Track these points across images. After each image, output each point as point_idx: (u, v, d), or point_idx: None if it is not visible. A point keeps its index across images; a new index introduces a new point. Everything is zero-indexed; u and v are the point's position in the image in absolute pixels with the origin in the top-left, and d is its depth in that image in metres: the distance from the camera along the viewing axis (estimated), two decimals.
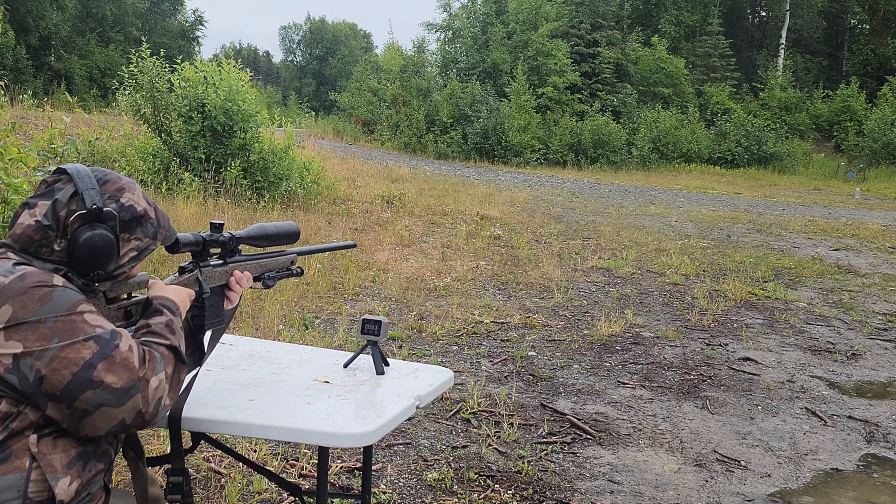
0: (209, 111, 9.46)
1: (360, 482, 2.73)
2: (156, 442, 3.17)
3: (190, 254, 1.70)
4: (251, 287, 1.85)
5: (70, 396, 1.26)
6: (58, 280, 1.31)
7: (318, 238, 8.05)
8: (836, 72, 38.95)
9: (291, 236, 1.89)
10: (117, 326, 1.45)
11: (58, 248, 1.37)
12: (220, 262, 1.75)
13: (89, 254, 1.36)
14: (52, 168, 1.51)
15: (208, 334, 1.75)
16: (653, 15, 37.23)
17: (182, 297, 1.59)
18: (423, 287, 6.60)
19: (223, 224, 1.75)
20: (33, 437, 1.27)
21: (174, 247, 1.60)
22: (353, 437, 1.60)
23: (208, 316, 1.71)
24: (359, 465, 3.06)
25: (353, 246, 2.30)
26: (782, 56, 36.99)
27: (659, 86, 31.53)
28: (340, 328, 5.03)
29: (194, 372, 1.64)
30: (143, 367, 1.32)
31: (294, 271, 1.96)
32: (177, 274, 1.67)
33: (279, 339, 4.60)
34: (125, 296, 1.52)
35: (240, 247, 1.80)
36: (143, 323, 1.47)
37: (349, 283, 6.45)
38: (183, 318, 1.56)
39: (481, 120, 24.91)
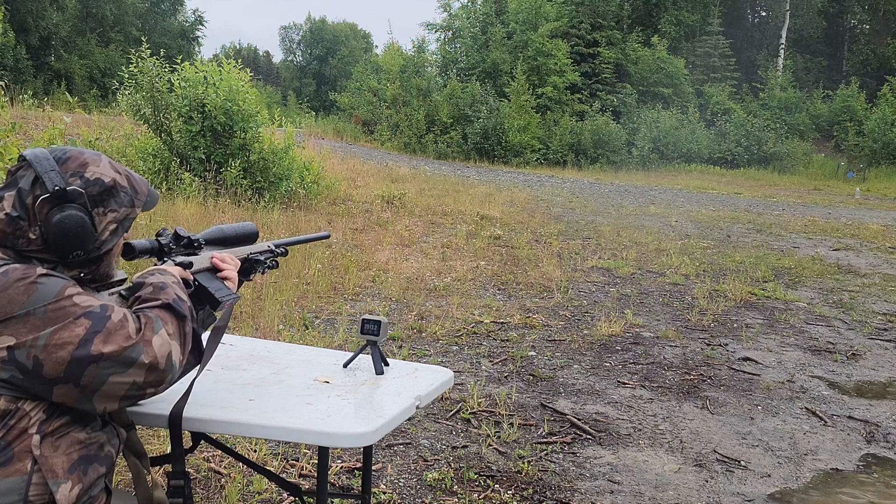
0: (209, 111, 9.45)
1: (360, 482, 2.73)
2: (155, 441, 3.17)
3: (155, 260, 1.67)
4: (243, 277, 1.83)
5: (74, 375, 1.25)
6: (41, 269, 1.30)
7: None
8: (836, 72, 38.95)
9: (250, 237, 1.86)
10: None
11: (34, 237, 1.35)
12: (188, 252, 1.71)
13: (63, 235, 1.34)
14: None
15: (206, 335, 1.72)
16: (653, 15, 37.16)
17: (166, 268, 1.57)
18: (423, 287, 6.60)
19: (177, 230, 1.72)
20: (36, 439, 1.26)
21: (130, 253, 1.56)
22: (353, 437, 1.60)
23: (214, 289, 1.67)
24: (359, 465, 3.06)
25: (327, 237, 2.30)
26: (782, 56, 37.00)
27: (659, 86, 31.47)
28: (340, 328, 5.03)
29: (195, 372, 1.62)
30: (139, 331, 1.32)
31: (269, 264, 1.93)
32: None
33: (279, 339, 4.60)
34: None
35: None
36: (133, 298, 1.47)
37: (349, 283, 6.45)
38: (174, 279, 1.53)
39: (481, 120, 24.92)
